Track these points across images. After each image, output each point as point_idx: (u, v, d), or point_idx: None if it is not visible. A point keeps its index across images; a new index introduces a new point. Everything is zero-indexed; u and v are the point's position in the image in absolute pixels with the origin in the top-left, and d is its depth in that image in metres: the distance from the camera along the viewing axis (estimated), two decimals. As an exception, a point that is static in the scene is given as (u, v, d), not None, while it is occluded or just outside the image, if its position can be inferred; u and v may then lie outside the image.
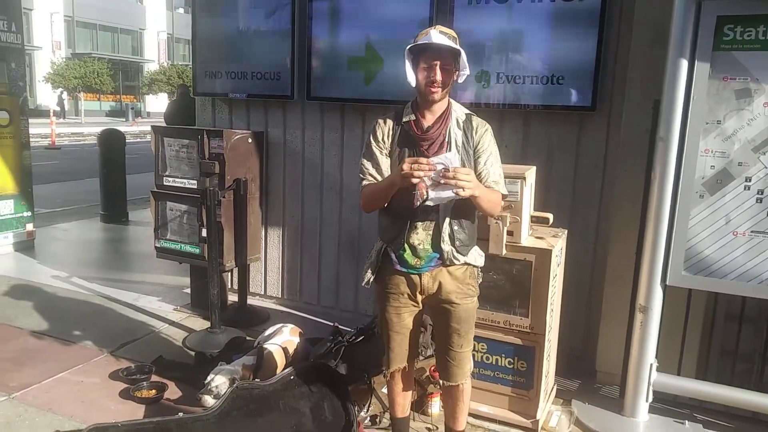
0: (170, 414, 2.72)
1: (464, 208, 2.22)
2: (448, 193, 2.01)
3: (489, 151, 2.24)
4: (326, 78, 4.00)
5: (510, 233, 2.73)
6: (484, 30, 3.50)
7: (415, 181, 2.01)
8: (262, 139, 4.28)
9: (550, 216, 2.93)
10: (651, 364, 2.88)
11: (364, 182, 2.28)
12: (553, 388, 3.13)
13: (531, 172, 2.82)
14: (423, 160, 2.01)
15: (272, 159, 4.32)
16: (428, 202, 2.07)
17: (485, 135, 2.25)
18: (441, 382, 2.44)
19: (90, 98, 32.62)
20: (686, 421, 2.91)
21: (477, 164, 2.23)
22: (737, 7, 2.60)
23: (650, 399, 2.91)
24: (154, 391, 3.07)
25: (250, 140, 4.15)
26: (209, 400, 2.82)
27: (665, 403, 3.02)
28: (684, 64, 2.67)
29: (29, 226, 5.87)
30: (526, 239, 2.80)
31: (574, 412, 3.00)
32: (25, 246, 5.81)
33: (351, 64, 3.90)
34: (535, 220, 2.93)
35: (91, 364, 3.42)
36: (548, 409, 2.99)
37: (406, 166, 2.02)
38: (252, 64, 4.21)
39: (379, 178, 2.25)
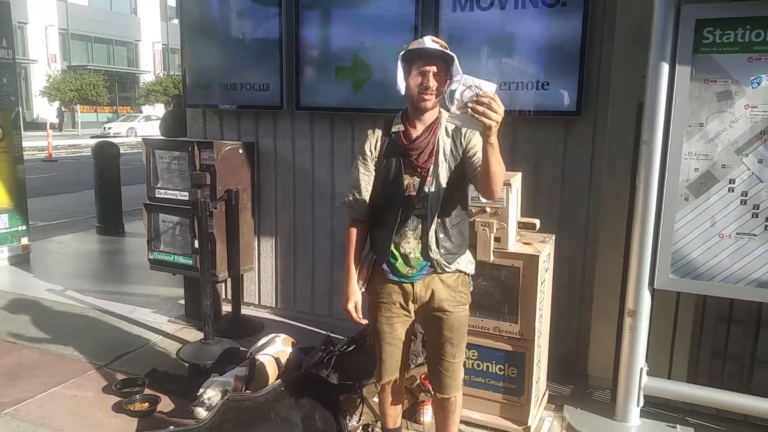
0: (162, 427, 2.73)
1: (451, 216, 2.22)
2: (473, 125, 1.89)
3: (480, 147, 2.14)
4: (315, 88, 4.03)
5: (497, 239, 2.74)
6: (470, 37, 3.52)
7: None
8: (253, 149, 4.30)
9: (537, 221, 2.94)
10: (641, 369, 2.89)
11: (346, 202, 2.34)
12: (545, 393, 3.14)
13: (517, 179, 2.84)
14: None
15: (263, 169, 4.34)
16: (451, 119, 1.97)
17: (474, 136, 2.20)
18: (433, 393, 2.43)
19: (87, 110, 32.67)
20: (678, 425, 2.92)
21: (469, 157, 2.17)
22: (715, 11, 2.62)
23: (641, 404, 2.92)
24: (147, 404, 3.07)
25: (240, 151, 4.16)
26: (202, 412, 2.82)
27: (657, 407, 3.02)
28: (665, 67, 2.69)
29: (24, 240, 5.88)
30: (514, 245, 2.81)
31: (566, 418, 3.01)
32: (21, 260, 5.82)
33: (339, 73, 3.92)
34: (522, 226, 2.94)
35: (85, 378, 3.43)
36: (540, 415, 3.00)
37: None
38: (241, 75, 4.23)
39: (361, 197, 2.28)
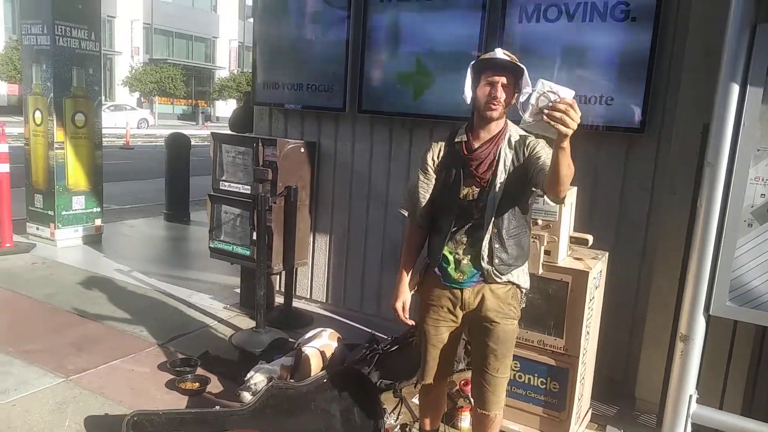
0: (209, 406, 2.86)
1: (509, 227, 2.22)
2: (547, 131, 1.88)
3: (545, 153, 2.14)
4: (377, 92, 4.11)
5: (547, 252, 2.73)
6: (536, 49, 3.51)
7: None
8: (314, 149, 4.43)
9: (590, 237, 2.91)
10: (690, 396, 2.79)
11: (403, 207, 2.42)
12: (588, 411, 3.09)
13: (572, 192, 2.81)
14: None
15: (323, 168, 4.46)
16: (522, 124, 1.93)
17: (538, 145, 2.19)
18: (474, 406, 2.43)
19: (164, 102, 34.21)
20: (726, 458, 2.81)
21: (532, 164, 2.14)
22: (795, 32, 2.52)
23: (689, 431, 2.83)
24: (197, 383, 3.23)
25: (302, 150, 4.30)
26: (247, 396, 2.95)
27: (706, 437, 2.92)
28: (735, 88, 2.60)
29: (98, 222, 6.26)
30: (564, 259, 2.79)
31: (608, 438, 2.96)
32: (93, 240, 6.19)
33: (401, 79, 3.99)
34: (575, 241, 2.92)
35: (143, 354, 3.63)
36: (581, 432, 2.96)
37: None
38: (308, 77, 4.37)
39: (419, 204, 2.33)
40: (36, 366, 3.36)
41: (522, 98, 2.10)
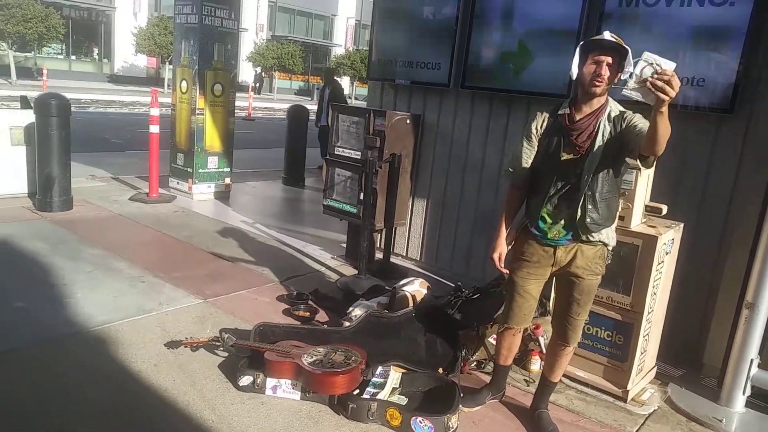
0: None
1: (602, 191, 2.47)
2: (647, 99, 2.04)
3: (642, 125, 2.35)
4: (480, 69, 4.47)
5: (621, 218, 3.00)
6: (633, 32, 3.70)
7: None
8: (419, 121, 4.87)
9: (664, 207, 3.14)
10: (752, 359, 2.99)
11: (508, 170, 2.75)
12: (652, 369, 3.35)
13: (649, 165, 3.05)
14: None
15: (425, 139, 4.90)
16: (625, 91, 2.11)
17: (636, 116, 2.41)
18: (554, 339, 2.79)
19: (282, 77, 36.00)
20: (784, 421, 2.99)
21: (629, 131, 2.37)
22: None
23: (748, 392, 3.03)
24: (308, 312, 3.83)
25: (408, 121, 4.76)
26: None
27: (766, 401, 3.10)
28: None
29: (227, 180, 7.12)
30: (637, 225, 3.05)
31: (668, 393, 3.21)
32: (223, 196, 7.06)
33: (503, 58, 4.32)
34: (650, 210, 3.16)
35: (264, 288, 4.31)
36: (643, 385, 3.23)
37: None
38: (418, 54, 4.81)
39: (521, 167, 2.65)
40: (181, 289, 4.11)
41: (624, 76, 2.33)
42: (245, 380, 2.86)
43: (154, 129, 6.40)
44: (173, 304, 3.84)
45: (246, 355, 3.01)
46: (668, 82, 1.96)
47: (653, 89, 1.98)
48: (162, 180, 6.87)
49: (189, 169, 6.83)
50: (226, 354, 3.17)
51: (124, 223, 5.63)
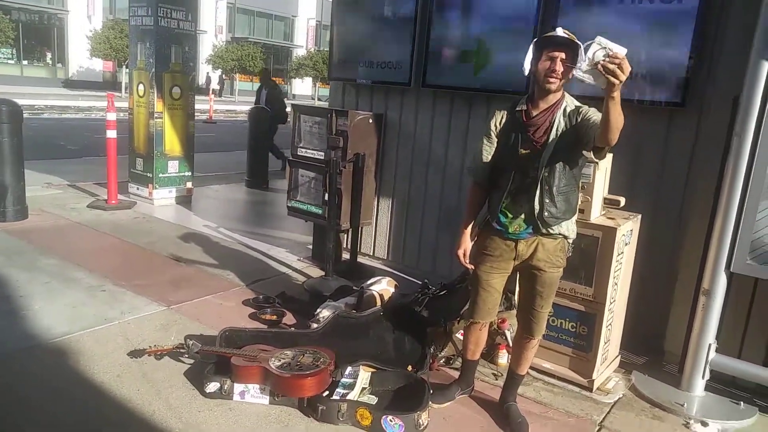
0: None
1: (560, 185, 2.52)
2: (598, 82, 2.08)
3: (596, 114, 2.40)
4: (440, 68, 4.49)
5: (581, 211, 3.05)
6: (587, 28, 3.78)
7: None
8: (381, 120, 4.88)
9: (622, 199, 3.21)
10: (710, 344, 3.09)
11: (470, 166, 2.82)
12: (616, 358, 3.42)
13: (606, 158, 3.12)
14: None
15: (388, 138, 4.91)
16: (577, 74, 2.16)
17: (590, 110, 2.46)
18: (519, 332, 2.83)
19: (243, 79, 35.58)
20: (741, 403, 3.09)
21: (583, 124, 2.42)
22: (822, 12, 2.72)
23: (707, 376, 3.12)
24: (275, 316, 3.79)
25: (370, 120, 4.76)
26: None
27: (724, 385, 3.20)
28: (765, 65, 2.84)
29: (189, 184, 7.00)
30: (597, 218, 3.12)
31: (632, 380, 3.29)
32: (184, 200, 6.94)
33: (463, 56, 4.36)
34: (608, 202, 3.23)
35: (230, 293, 4.25)
36: (608, 374, 3.30)
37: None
38: (378, 54, 4.81)
39: (482, 163, 2.70)
40: (143, 296, 4.02)
41: (576, 72, 2.31)
42: (212, 387, 2.81)
43: (111, 134, 6.25)
44: (135, 313, 3.75)
45: (212, 362, 2.96)
46: (619, 66, 2.01)
47: (604, 72, 2.03)
48: (121, 186, 6.71)
49: (149, 174, 6.69)
50: (191, 361, 3.12)
51: (83, 231, 5.48)
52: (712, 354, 3.09)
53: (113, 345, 3.28)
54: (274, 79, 10.64)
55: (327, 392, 2.80)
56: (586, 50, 2.12)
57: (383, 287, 3.81)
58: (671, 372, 3.36)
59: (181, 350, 3.09)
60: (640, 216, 3.32)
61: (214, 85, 30.74)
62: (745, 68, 2.94)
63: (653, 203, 3.63)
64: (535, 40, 2.52)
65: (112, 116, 6.22)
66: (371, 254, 5.15)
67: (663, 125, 3.62)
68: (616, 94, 2.10)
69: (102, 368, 3.02)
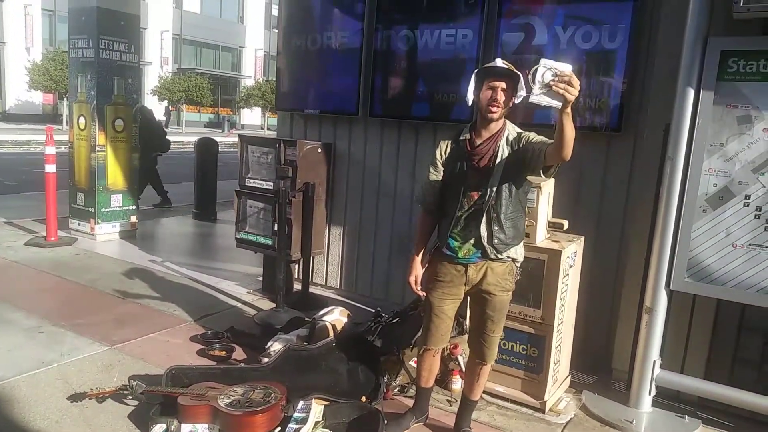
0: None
1: (506, 212, 2.57)
2: (554, 102, 2.14)
3: (538, 137, 2.52)
4: (386, 98, 4.56)
5: (527, 235, 3.12)
6: (525, 65, 3.92)
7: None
8: (330, 149, 4.89)
9: (565, 222, 3.31)
10: (654, 361, 3.18)
11: (418, 196, 2.90)
12: (566, 378, 3.48)
13: (548, 184, 3.22)
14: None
15: (338, 167, 4.92)
16: (532, 98, 2.20)
17: (531, 134, 2.55)
18: (472, 358, 2.84)
19: (191, 110, 35.17)
20: (686, 416, 3.18)
21: (528, 145, 2.50)
22: (740, 43, 2.91)
23: (653, 392, 3.20)
24: (224, 351, 3.69)
25: (319, 150, 4.76)
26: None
27: (669, 399, 3.30)
28: (691, 92, 3.00)
29: (133, 218, 6.80)
30: (542, 241, 3.19)
31: (582, 400, 3.34)
32: (129, 234, 6.73)
33: (409, 85, 4.44)
34: (552, 226, 3.32)
35: (177, 329, 4.12)
36: (559, 395, 3.34)
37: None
38: (325, 84, 4.85)
39: (430, 193, 2.76)
40: (85, 337, 3.85)
41: (517, 100, 2.47)
42: (158, 429, 2.70)
43: (50, 168, 6.03)
44: (76, 354, 3.59)
45: (158, 402, 2.85)
46: (569, 83, 2.10)
47: (559, 90, 2.11)
48: (61, 222, 6.47)
49: (91, 209, 6.47)
50: (136, 403, 2.99)
51: (20, 270, 5.23)
52: (657, 370, 3.17)
53: (52, 389, 3.12)
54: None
55: (279, 428, 2.73)
56: (534, 74, 2.19)
57: (336, 317, 3.77)
58: (620, 389, 3.43)
59: (125, 392, 2.96)
60: (583, 238, 3.42)
61: (160, 116, 30.20)
62: (673, 96, 3.11)
63: (596, 225, 3.75)
64: (476, 70, 2.60)
65: (51, 150, 6.02)
66: (323, 284, 5.10)
67: (603, 150, 3.76)
68: (569, 110, 2.18)
69: (39, 414, 2.86)
